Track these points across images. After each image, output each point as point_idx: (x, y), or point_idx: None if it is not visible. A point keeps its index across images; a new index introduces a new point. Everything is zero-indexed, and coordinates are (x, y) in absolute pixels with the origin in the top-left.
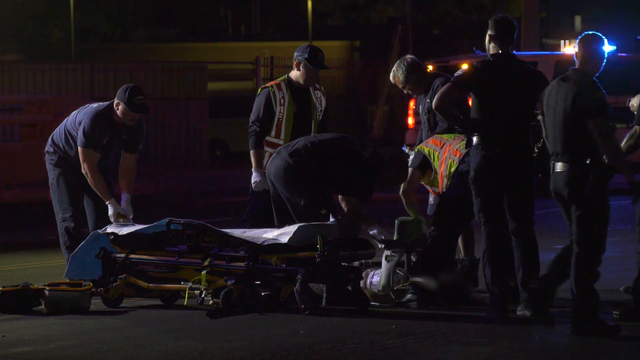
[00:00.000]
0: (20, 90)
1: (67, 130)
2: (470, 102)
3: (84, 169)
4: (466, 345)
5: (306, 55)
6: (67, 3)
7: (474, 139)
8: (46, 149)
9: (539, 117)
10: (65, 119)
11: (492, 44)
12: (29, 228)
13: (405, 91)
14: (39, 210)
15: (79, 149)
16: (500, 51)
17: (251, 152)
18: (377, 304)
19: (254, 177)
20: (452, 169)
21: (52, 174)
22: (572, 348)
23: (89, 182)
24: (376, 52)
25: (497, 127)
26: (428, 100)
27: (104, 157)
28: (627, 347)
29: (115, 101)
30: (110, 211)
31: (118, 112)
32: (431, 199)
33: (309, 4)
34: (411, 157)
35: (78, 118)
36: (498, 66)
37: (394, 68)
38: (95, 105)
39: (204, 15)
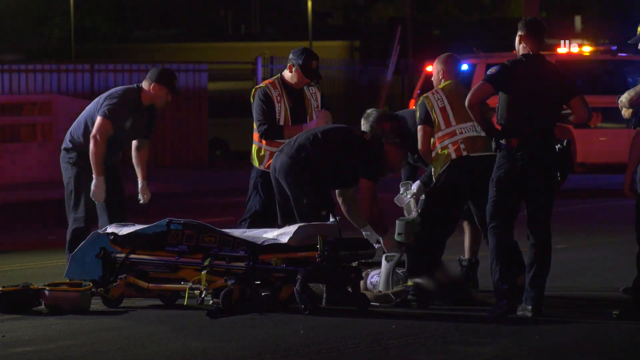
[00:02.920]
0: (20, 90)
1: (87, 122)
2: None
3: (94, 135)
4: (466, 345)
5: (300, 62)
6: (67, 3)
7: (503, 142)
8: (63, 146)
9: (571, 118)
10: (82, 114)
11: (522, 45)
12: (29, 228)
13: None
14: (39, 210)
15: (98, 118)
16: (530, 52)
17: (285, 133)
18: (377, 304)
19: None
20: (445, 160)
21: (69, 172)
22: (572, 348)
23: (91, 150)
24: (376, 52)
25: (526, 129)
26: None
27: (128, 140)
28: (626, 347)
29: (153, 84)
30: (93, 188)
31: (153, 93)
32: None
33: (309, 4)
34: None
35: (101, 101)
36: (529, 66)
37: (362, 128)
38: (120, 87)
39: (204, 15)
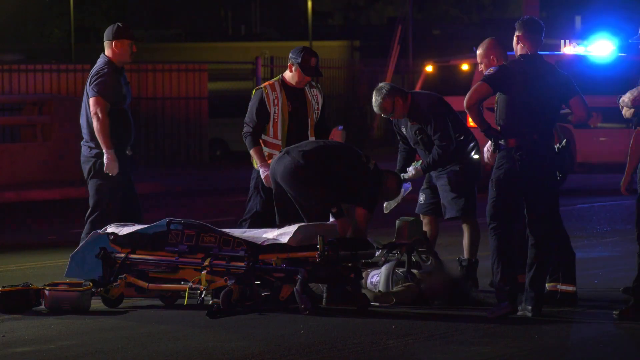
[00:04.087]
0: (20, 90)
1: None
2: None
3: (94, 113)
4: (466, 345)
5: (299, 60)
6: (67, 3)
7: (502, 143)
8: (91, 154)
9: (570, 118)
10: (82, 116)
11: (520, 45)
12: (29, 228)
13: (391, 118)
14: (39, 210)
15: (91, 99)
16: (528, 52)
17: (251, 151)
18: (377, 304)
19: (263, 173)
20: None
21: (98, 180)
22: (572, 348)
23: (95, 127)
24: (376, 52)
25: (525, 129)
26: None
27: (126, 104)
28: (626, 347)
29: (113, 42)
30: (106, 161)
31: (118, 51)
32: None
33: (309, 4)
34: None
35: (87, 87)
36: (527, 66)
37: (374, 100)
38: (95, 66)
39: (204, 15)
